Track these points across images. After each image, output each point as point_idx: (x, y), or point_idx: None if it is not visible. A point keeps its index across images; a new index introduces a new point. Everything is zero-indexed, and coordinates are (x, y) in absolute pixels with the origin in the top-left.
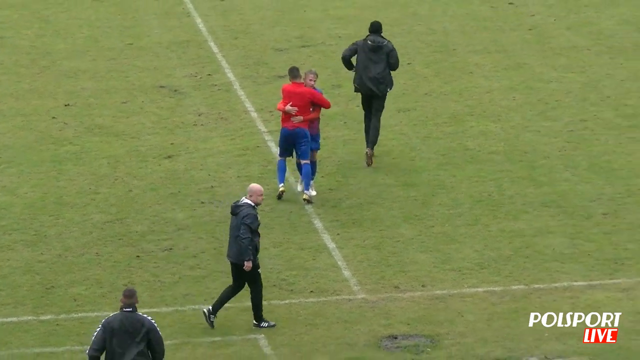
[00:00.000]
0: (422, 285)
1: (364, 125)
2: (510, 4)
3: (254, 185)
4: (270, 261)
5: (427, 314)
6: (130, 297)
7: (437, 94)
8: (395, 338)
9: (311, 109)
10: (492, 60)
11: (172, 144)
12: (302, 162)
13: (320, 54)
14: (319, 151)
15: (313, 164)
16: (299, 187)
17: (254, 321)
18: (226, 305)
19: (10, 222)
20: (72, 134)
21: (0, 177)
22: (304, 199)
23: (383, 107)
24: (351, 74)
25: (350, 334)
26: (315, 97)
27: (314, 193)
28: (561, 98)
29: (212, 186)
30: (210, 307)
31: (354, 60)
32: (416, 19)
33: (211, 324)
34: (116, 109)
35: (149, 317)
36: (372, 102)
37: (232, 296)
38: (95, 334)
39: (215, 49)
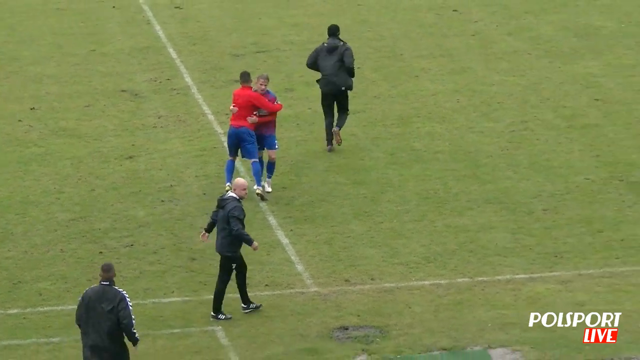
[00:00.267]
0: (372, 279)
1: (324, 124)
2: (454, 11)
3: (238, 180)
4: None
5: (376, 306)
6: (108, 271)
7: (385, 96)
8: (346, 329)
9: (255, 112)
10: (437, 65)
11: (133, 145)
12: (251, 160)
13: (274, 59)
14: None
15: (272, 163)
16: (267, 188)
17: (212, 313)
18: (185, 298)
19: None
20: (37, 136)
21: None
22: (257, 194)
23: (347, 107)
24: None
25: (304, 325)
26: (257, 100)
27: (269, 190)
28: (503, 100)
29: (171, 185)
30: (243, 304)
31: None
32: (366, 26)
33: (254, 308)
34: (80, 112)
35: (123, 291)
36: (335, 100)
37: (245, 283)
38: (78, 305)
39: (174, 55)
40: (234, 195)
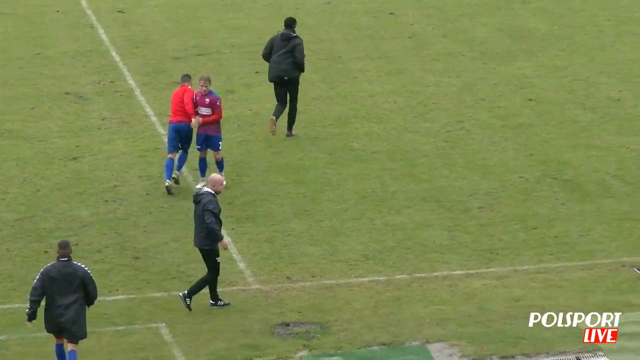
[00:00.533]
0: (312, 276)
1: (275, 110)
2: (391, 14)
3: (215, 175)
4: (170, 255)
5: (317, 303)
6: (64, 248)
7: (324, 98)
8: (288, 325)
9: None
10: (374, 66)
11: (77, 146)
12: (180, 151)
13: (215, 62)
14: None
15: (219, 161)
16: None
17: (210, 300)
18: (129, 296)
19: None
20: None
21: None
22: (173, 178)
23: (296, 93)
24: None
25: (246, 321)
26: (186, 96)
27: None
28: (439, 101)
29: (115, 185)
30: (211, 300)
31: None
32: (304, 29)
33: (224, 305)
34: (25, 114)
35: (83, 266)
36: (285, 89)
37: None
38: (35, 283)
39: (117, 58)
40: (210, 190)
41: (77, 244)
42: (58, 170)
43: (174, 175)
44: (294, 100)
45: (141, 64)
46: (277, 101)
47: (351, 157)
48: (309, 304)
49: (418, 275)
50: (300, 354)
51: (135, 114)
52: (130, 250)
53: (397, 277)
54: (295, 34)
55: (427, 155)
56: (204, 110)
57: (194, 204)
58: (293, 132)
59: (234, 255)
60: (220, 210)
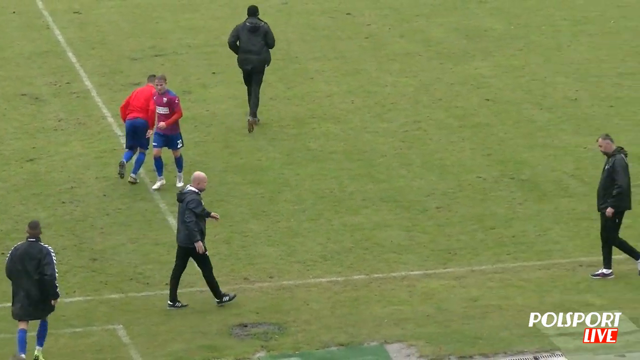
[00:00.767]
0: (270, 277)
1: (247, 98)
2: (347, 14)
3: (198, 174)
4: (127, 256)
5: (274, 304)
6: (34, 228)
7: (281, 98)
8: (245, 326)
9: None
10: (331, 67)
11: (33, 147)
12: (139, 150)
13: (171, 62)
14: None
15: (178, 158)
16: (179, 182)
17: (216, 299)
18: (87, 297)
19: None
20: None
21: None
22: (129, 182)
23: (262, 80)
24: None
25: (204, 322)
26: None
27: (181, 184)
28: (396, 101)
29: (72, 187)
30: (169, 301)
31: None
32: None
33: (181, 306)
34: None
35: (48, 246)
36: (253, 76)
37: (179, 277)
38: (6, 260)
39: (73, 59)
40: (193, 188)
41: None
42: (14, 172)
43: (130, 180)
44: (258, 84)
45: (98, 65)
46: (248, 88)
47: (309, 158)
48: (266, 304)
49: (376, 275)
50: (258, 355)
51: (92, 115)
52: (87, 251)
53: (355, 277)
54: (262, 22)
55: (384, 155)
56: (162, 110)
57: (178, 202)
58: (257, 117)
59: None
60: (204, 208)
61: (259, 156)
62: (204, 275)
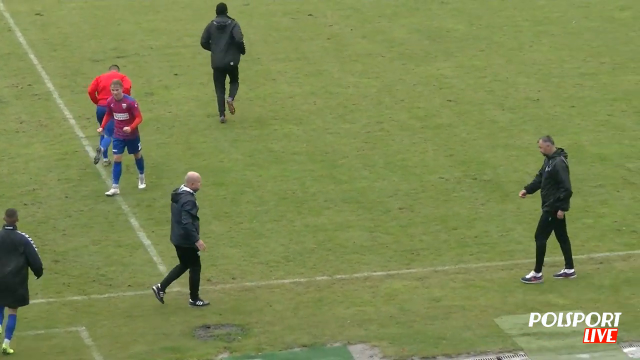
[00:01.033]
0: (233, 278)
1: (216, 98)
2: (309, 15)
3: (192, 174)
4: (90, 258)
5: (237, 305)
6: (11, 216)
7: (243, 99)
8: (208, 327)
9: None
10: (293, 68)
11: None
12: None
13: (134, 64)
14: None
15: (139, 160)
16: (140, 184)
17: (190, 300)
18: (49, 299)
19: None
20: None
21: None
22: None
23: (237, 76)
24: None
25: (167, 324)
26: (122, 79)
27: (143, 185)
28: (358, 102)
29: (33, 189)
30: (159, 284)
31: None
32: None
33: (161, 299)
34: None
35: (26, 235)
36: (226, 74)
37: (178, 275)
38: None
39: (35, 61)
40: (187, 189)
41: None
42: None
43: (103, 162)
44: (236, 80)
45: (60, 66)
46: (216, 87)
47: (271, 159)
48: (229, 306)
49: (339, 276)
50: (221, 356)
51: (53, 117)
52: (49, 253)
53: (318, 278)
54: (230, 19)
55: (347, 156)
56: (121, 116)
57: (172, 202)
58: (233, 101)
59: (154, 258)
60: (198, 208)
61: (221, 157)
62: (190, 275)
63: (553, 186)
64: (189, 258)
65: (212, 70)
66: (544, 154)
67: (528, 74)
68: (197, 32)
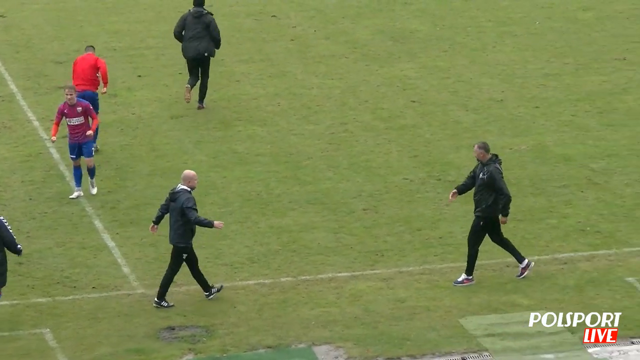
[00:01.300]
0: None
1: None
2: (273, 16)
3: (188, 172)
4: (54, 260)
5: (202, 306)
6: None
7: (207, 101)
8: (173, 329)
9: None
10: (257, 69)
11: None
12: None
13: None
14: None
15: (92, 169)
16: (92, 190)
17: (155, 299)
18: (13, 302)
19: None
20: None
21: None
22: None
23: (208, 70)
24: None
25: (131, 326)
26: (99, 63)
27: (94, 191)
28: (322, 103)
29: None
30: (215, 285)
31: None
32: None
33: (218, 290)
34: None
35: (1, 217)
36: (199, 66)
37: (196, 274)
38: None
39: None
40: (185, 187)
41: None
42: None
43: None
44: (206, 75)
45: (23, 68)
46: (190, 74)
47: (235, 160)
48: (194, 307)
49: (303, 277)
50: (185, 357)
51: (17, 119)
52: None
53: (283, 279)
54: (206, 11)
55: (311, 157)
56: (77, 120)
57: (170, 202)
58: (204, 104)
59: (118, 260)
60: (196, 204)
61: (185, 159)
62: (167, 274)
63: (487, 192)
64: (175, 258)
65: (174, 73)
66: (478, 160)
67: (492, 74)
68: (160, 34)
